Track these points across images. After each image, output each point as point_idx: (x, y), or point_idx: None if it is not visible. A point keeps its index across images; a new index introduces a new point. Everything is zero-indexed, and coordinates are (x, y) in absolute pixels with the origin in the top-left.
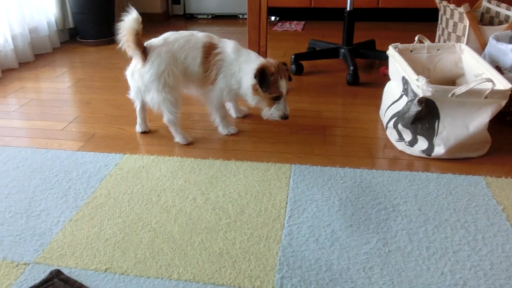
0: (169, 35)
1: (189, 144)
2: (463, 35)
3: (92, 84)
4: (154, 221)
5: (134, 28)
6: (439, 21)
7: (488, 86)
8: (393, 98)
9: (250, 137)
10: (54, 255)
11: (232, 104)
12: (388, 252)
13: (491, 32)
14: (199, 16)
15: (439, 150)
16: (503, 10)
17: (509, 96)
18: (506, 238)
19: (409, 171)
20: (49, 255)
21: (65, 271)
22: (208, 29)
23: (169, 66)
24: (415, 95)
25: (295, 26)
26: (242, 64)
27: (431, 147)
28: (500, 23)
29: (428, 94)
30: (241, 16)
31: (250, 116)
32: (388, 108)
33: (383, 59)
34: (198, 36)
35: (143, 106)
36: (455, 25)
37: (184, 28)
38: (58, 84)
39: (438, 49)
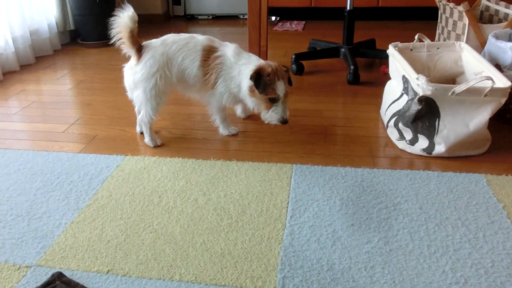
0: (168, 37)
1: (155, 147)
2: (463, 33)
3: (93, 85)
4: (155, 222)
5: (129, 26)
6: (438, 20)
7: (487, 84)
8: (393, 97)
9: (251, 138)
10: (56, 257)
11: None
12: (389, 251)
13: (491, 30)
14: (199, 17)
15: (439, 148)
16: (502, 8)
17: (508, 94)
18: (506, 235)
19: (410, 170)
20: (51, 257)
21: (67, 274)
22: (209, 30)
23: (162, 69)
24: (415, 93)
25: (296, 26)
26: (241, 67)
27: (431, 145)
28: (500, 21)
29: (428, 92)
30: (241, 17)
31: (250, 116)
32: (388, 107)
33: (383, 58)
34: (198, 38)
35: None
36: (454, 23)
37: (185, 28)
38: (59, 86)
39: (438, 48)
